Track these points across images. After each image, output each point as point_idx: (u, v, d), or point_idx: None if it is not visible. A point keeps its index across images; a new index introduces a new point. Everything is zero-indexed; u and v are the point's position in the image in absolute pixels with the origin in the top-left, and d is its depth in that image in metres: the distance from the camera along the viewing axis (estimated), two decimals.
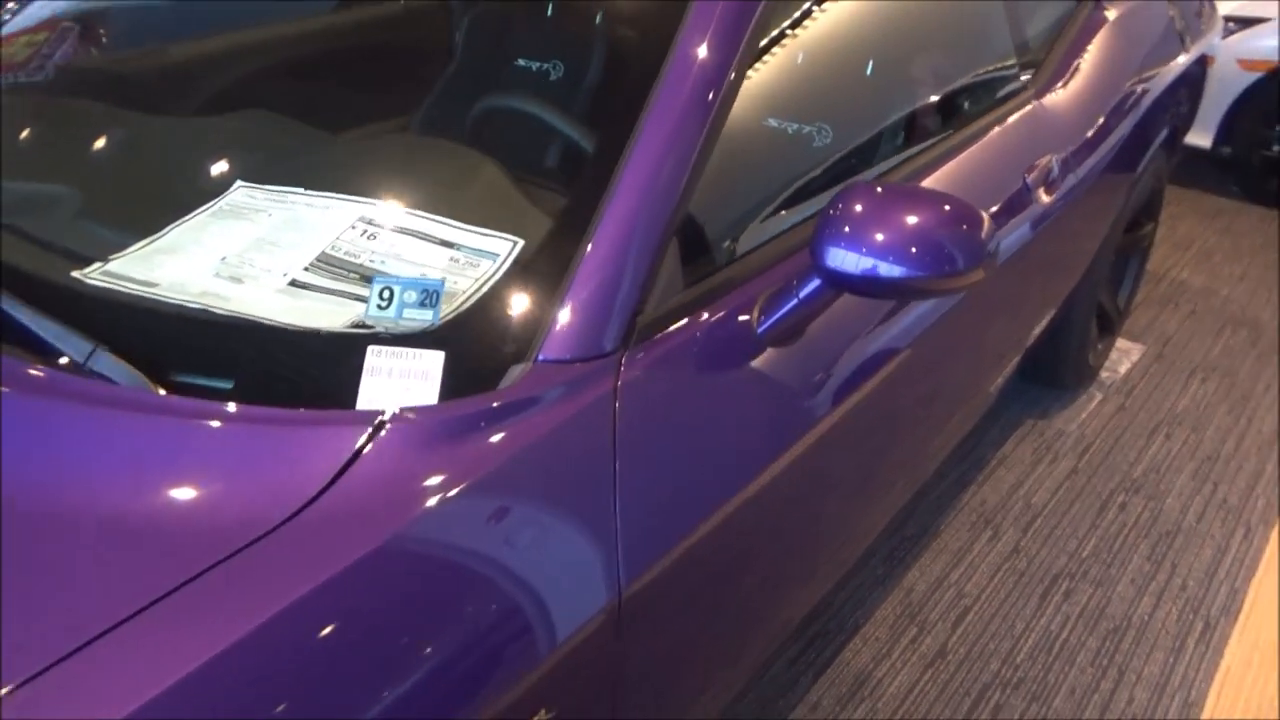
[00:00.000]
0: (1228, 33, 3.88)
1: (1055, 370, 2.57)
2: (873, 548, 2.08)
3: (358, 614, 0.73)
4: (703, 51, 1.12)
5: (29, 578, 0.71)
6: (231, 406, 0.86)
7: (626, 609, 0.92)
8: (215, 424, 0.84)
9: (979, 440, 2.45)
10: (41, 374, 0.90)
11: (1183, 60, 2.42)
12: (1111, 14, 2.13)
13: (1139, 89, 2.18)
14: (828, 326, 1.20)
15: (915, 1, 1.61)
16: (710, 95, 1.10)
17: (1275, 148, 3.89)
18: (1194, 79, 2.63)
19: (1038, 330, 2.13)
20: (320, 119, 1.36)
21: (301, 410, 0.86)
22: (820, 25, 1.41)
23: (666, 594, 0.98)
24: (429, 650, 0.76)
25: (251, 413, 0.85)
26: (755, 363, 1.09)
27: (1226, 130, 3.97)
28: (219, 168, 1.28)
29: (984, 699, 1.75)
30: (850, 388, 1.23)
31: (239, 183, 1.20)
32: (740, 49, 1.15)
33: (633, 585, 0.92)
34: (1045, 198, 1.70)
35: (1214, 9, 2.84)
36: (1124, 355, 2.86)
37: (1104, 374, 2.76)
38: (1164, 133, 2.37)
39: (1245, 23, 3.87)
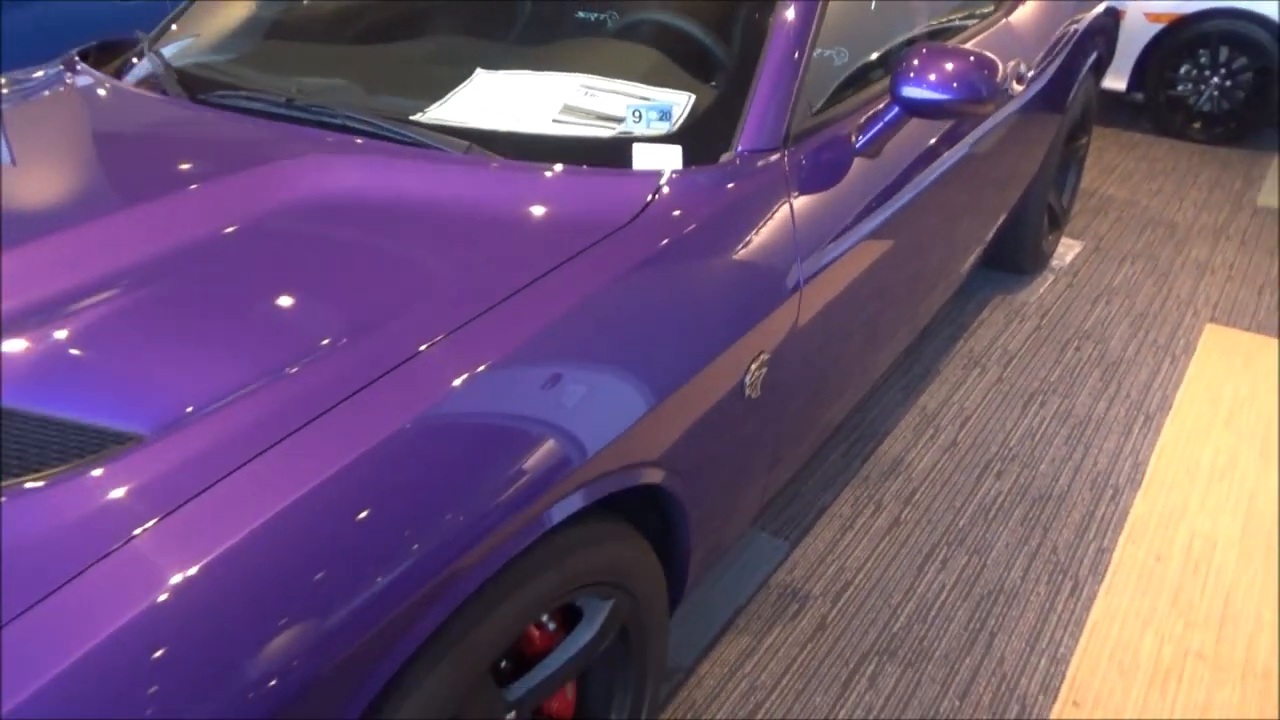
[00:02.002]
0: None
1: (1016, 257, 3.19)
2: (892, 381, 2.67)
3: (672, 272, 1.28)
4: None
5: (461, 268, 1.24)
6: (583, 167, 1.40)
7: (805, 295, 1.48)
8: (580, 176, 1.38)
9: (962, 309, 3.06)
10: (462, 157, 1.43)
11: (1101, 3, 3.06)
12: None
13: (1071, 22, 2.80)
14: (886, 158, 1.77)
15: None
16: (809, 35, 1.65)
17: (1178, 88, 4.61)
18: (1110, 22, 3.28)
19: (1001, 219, 2.73)
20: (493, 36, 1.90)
21: (616, 167, 1.40)
22: None
23: (819, 291, 1.54)
24: (713, 297, 1.31)
25: (598, 171, 1.39)
26: (854, 163, 1.65)
27: (1139, 76, 4.68)
28: (461, 62, 1.79)
29: (989, 469, 2.35)
30: (901, 187, 1.81)
31: (478, 69, 1.72)
32: None
33: (806, 282, 1.48)
34: (1017, 87, 2.31)
35: None
36: (1068, 249, 3.51)
37: (1054, 262, 3.40)
38: (1091, 58, 3.01)
39: None
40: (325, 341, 1.06)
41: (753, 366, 1.40)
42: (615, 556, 1.23)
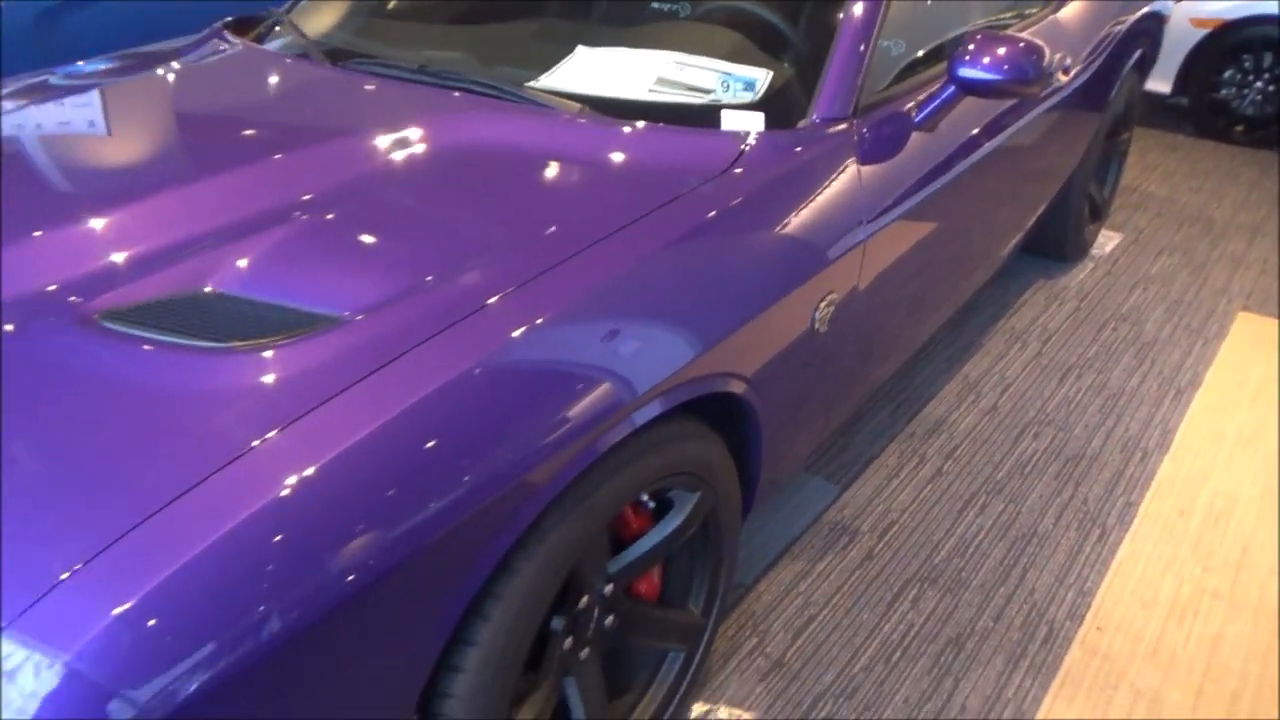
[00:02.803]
0: None
1: (1058, 244, 3.36)
2: (936, 351, 2.86)
3: (757, 215, 1.49)
4: None
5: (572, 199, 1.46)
6: (684, 127, 1.62)
7: (868, 249, 1.68)
8: (681, 133, 1.60)
9: (1005, 290, 3.23)
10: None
11: (1146, 3, 3.22)
12: None
13: (1115, 23, 2.98)
14: (943, 128, 1.97)
15: None
16: (876, 21, 1.86)
17: (1221, 92, 4.74)
18: (1155, 24, 3.44)
19: (1046, 202, 2.91)
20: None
21: (709, 128, 1.62)
22: None
23: (880, 247, 1.74)
24: (791, 239, 1.52)
25: (696, 129, 1.61)
26: (912, 137, 1.86)
27: (1183, 80, 4.81)
28: (561, 40, 2.02)
29: (1026, 431, 2.53)
30: (953, 163, 2.00)
31: (579, 46, 1.95)
32: None
33: (869, 236, 1.69)
34: (1063, 78, 2.49)
35: None
36: (1109, 239, 3.67)
37: (1094, 251, 3.56)
38: (1135, 55, 3.17)
39: None
40: (464, 260, 1.29)
41: (821, 304, 1.61)
42: (701, 454, 1.45)
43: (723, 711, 1.73)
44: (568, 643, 1.38)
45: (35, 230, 1.29)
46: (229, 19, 2.29)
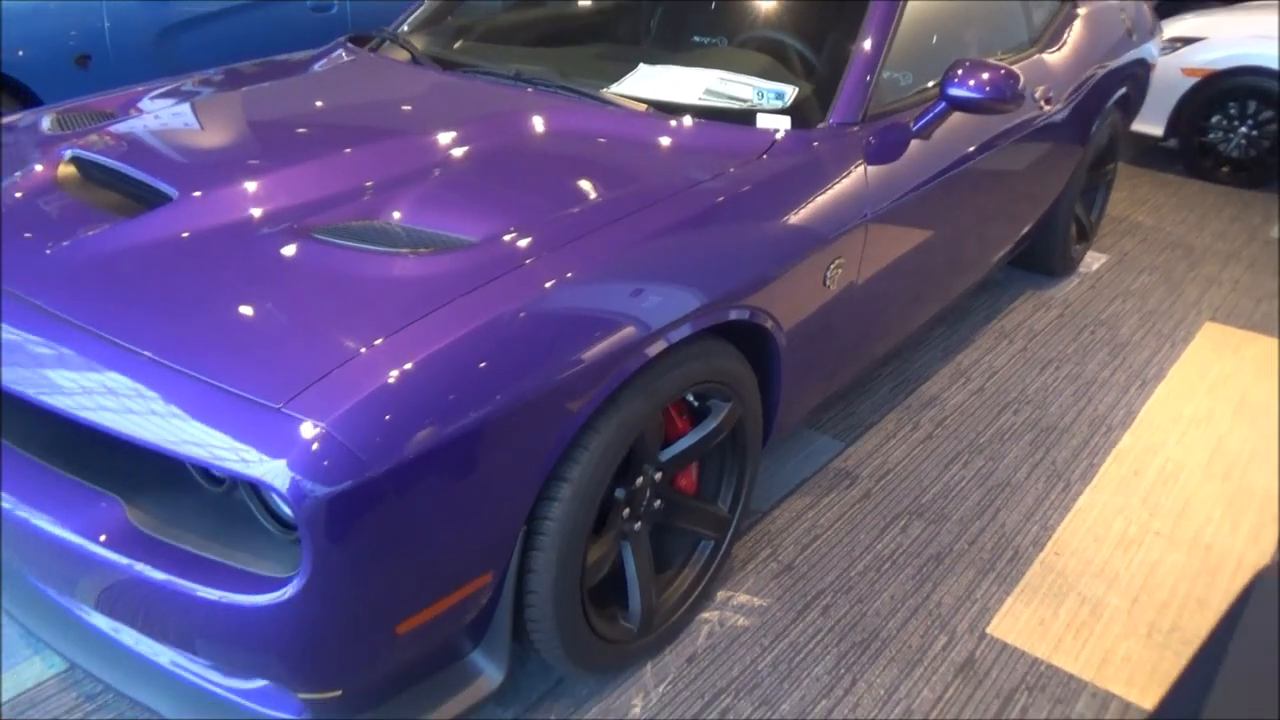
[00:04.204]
0: (1173, 49, 5.17)
1: (1047, 260, 3.76)
2: (933, 343, 3.27)
3: (783, 193, 1.92)
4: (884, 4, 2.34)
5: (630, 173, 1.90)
6: (727, 123, 2.06)
7: (870, 230, 2.11)
8: (726, 127, 2.03)
9: (997, 298, 3.65)
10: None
11: (1130, 46, 3.66)
12: (1081, 11, 3.38)
13: (1099, 59, 3.41)
14: (935, 142, 2.40)
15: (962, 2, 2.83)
16: (888, 31, 2.30)
17: (1209, 135, 5.16)
18: (1140, 68, 3.87)
19: (1032, 221, 3.33)
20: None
21: (746, 125, 2.05)
22: (910, 14, 2.62)
23: (881, 230, 2.17)
24: (808, 212, 1.95)
25: (738, 125, 2.05)
26: (911, 144, 2.29)
27: (1174, 123, 5.24)
28: (627, 59, 2.47)
29: (1008, 407, 2.93)
30: (945, 165, 2.43)
31: (641, 64, 2.40)
32: None
33: (872, 218, 2.11)
34: (1046, 107, 2.93)
35: (1154, 18, 4.10)
36: (1095, 259, 4.08)
37: (1081, 269, 3.97)
38: (1119, 92, 3.60)
39: (1187, 41, 5.16)
40: (559, 207, 1.72)
41: (831, 266, 2.03)
42: (733, 370, 1.86)
43: (741, 597, 2.13)
44: (626, 512, 1.79)
45: (259, 177, 1.74)
46: (349, 34, 2.76)
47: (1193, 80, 5.11)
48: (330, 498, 1.22)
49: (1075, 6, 3.40)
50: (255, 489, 1.37)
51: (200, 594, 1.29)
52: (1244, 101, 5.02)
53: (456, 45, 2.64)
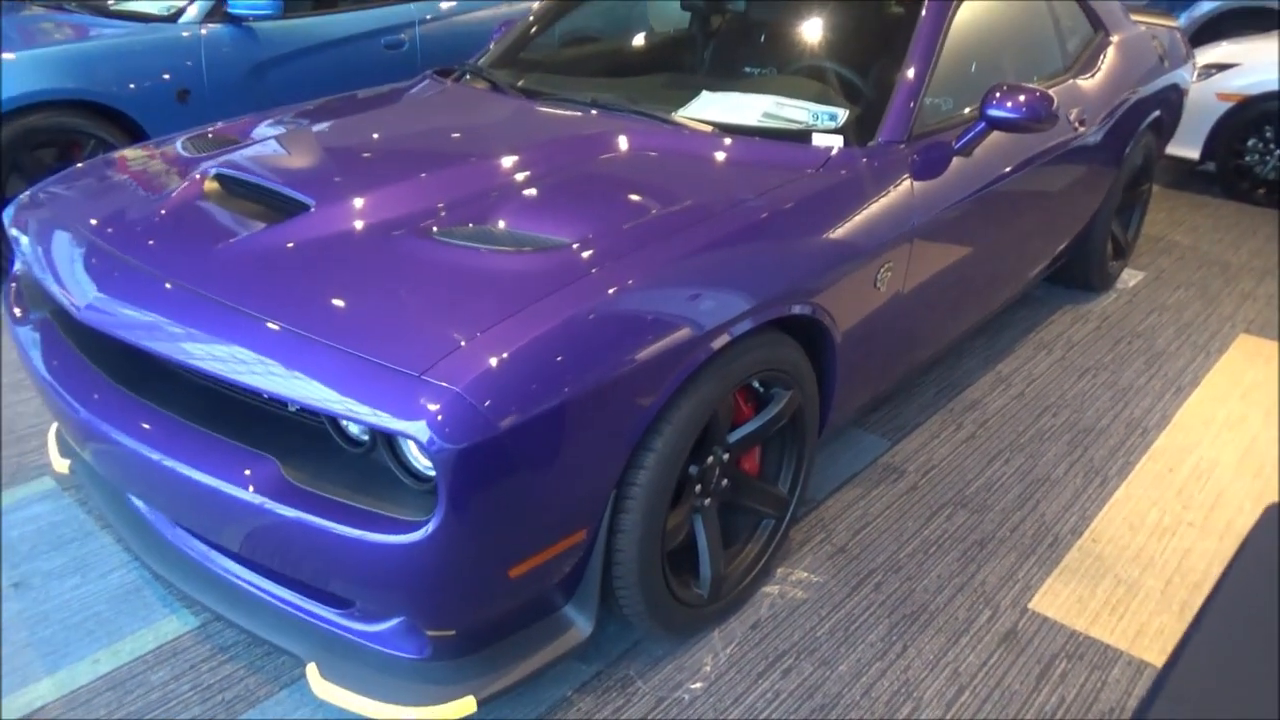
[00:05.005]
0: (1208, 75, 5.33)
1: (1085, 275, 3.93)
2: (975, 352, 3.45)
3: (837, 204, 2.14)
4: (930, 24, 2.55)
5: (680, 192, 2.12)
6: (785, 142, 2.28)
7: (915, 243, 2.31)
8: (785, 145, 2.26)
9: (1036, 311, 3.81)
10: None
11: (1162, 72, 3.84)
12: (1115, 39, 3.57)
13: (1131, 84, 3.60)
14: (976, 160, 2.60)
15: (1001, 28, 3.04)
16: (931, 57, 2.52)
17: (1246, 158, 5.30)
18: (1173, 93, 4.05)
19: (1069, 237, 3.50)
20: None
21: (803, 144, 2.28)
22: (957, 34, 2.84)
23: (926, 243, 2.37)
24: (860, 222, 2.16)
25: (795, 144, 2.27)
26: (953, 161, 2.49)
27: (1210, 147, 5.38)
28: (691, 87, 2.70)
29: (1047, 410, 3.10)
30: (985, 182, 2.63)
31: (704, 91, 2.64)
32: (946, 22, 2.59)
33: (919, 227, 2.32)
34: (1080, 128, 3.12)
35: (1188, 46, 4.28)
36: (1132, 276, 4.23)
37: (1118, 285, 4.13)
38: (1151, 115, 3.78)
39: (1222, 67, 5.32)
40: (640, 213, 1.95)
41: (881, 270, 2.24)
42: (793, 360, 2.07)
43: (800, 574, 2.32)
44: (698, 488, 2.00)
45: (382, 189, 2.00)
46: (434, 69, 3.03)
47: (1227, 105, 5.26)
48: (461, 450, 1.45)
49: (1108, 35, 3.59)
50: (393, 446, 1.60)
51: (351, 535, 1.52)
52: (1278, 125, 5.15)
53: (532, 77, 2.91)
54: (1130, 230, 4.16)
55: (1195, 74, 5.34)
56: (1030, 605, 2.26)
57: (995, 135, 2.69)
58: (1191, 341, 3.63)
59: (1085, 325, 3.73)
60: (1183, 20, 7.44)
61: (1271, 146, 5.21)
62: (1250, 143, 5.27)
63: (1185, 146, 5.45)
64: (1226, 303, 4.00)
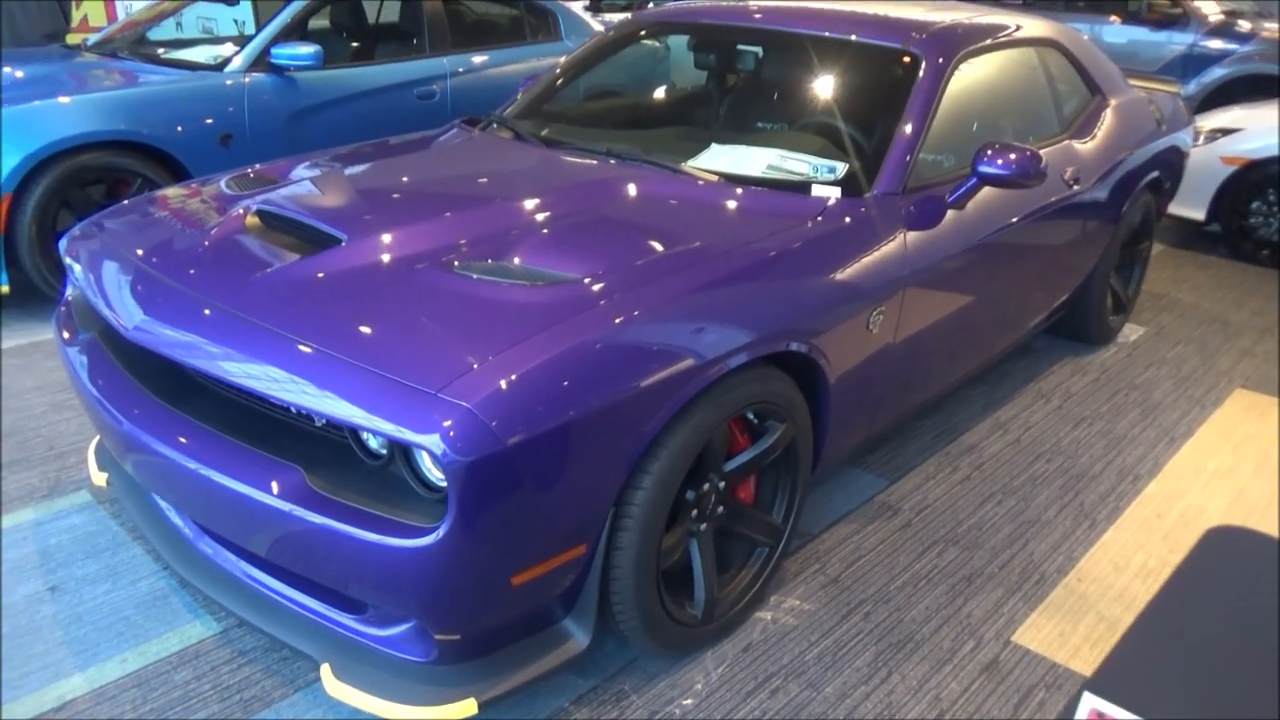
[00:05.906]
0: (1213, 139, 5.48)
1: (1085, 329, 4.04)
2: (974, 399, 3.56)
3: (834, 251, 2.28)
4: (926, 84, 2.72)
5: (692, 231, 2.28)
6: (786, 192, 2.44)
7: (908, 292, 2.45)
8: (785, 194, 2.41)
9: (1036, 363, 3.93)
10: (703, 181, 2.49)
11: (1160, 135, 3.99)
12: (1111, 102, 3.73)
13: (1129, 145, 3.74)
14: (970, 214, 2.75)
15: (993, 91, 3.21)
16: (926, 115, 2.68)
17: (1250, 220, 5.41)
18: (1173, 155, 4.19)
19: (1067, 292, 3.62)
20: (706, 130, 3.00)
21: (803, 194, 2.44)
22: (956, 96, 3.00)
23: (918, 292, 2.50)
24: (855, 269, 2.30)
25: (795, 194, 2.43)
26: (947, 214, 2.64)
27: (1215, 209, 5.51)
28: (701, 140, 2.88)
29: (1041, 456, 3.19)
30: (979, 234, 2.77)
31: (714, 144, 2.81)
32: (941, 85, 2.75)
33: (910, 278, 2.45)
34: (1075, 186, 3.26)
35: (1188, 111, 4.43)
36: (1133, 331, 4.34)
37: (1119, 339, 4.23)
38: (1149, 176, 3.91)
39: (1226, 132, 5.47)
40: (646, 254, 2.10)
41: (874, 314, 2.37)
42: (787, 395, 2.19)
43: (792, 601, 2.42)
44: (694, 513, 2.12)
45: (408, 226, 2.17)
46: (462, 118, 3.23)
47: (1231, 168, 5.39)
48: (470, 462, 1.58)
49: (1105, 99, 3.75)
50: (409, 459, 1.74)
51: (367, 539, 1.65)
52: None
53: (553, 127, 3.09)
54: (1130, 286, 4.28)
55: (1201, 138, 5.50)
56: (1013, 638, 2.34)
57: (988, 191, 2.83)
58: (1188, 395, 3.72)
59: (1084, 377, 3.83)
60: (1192, 86, 7.62)
61: (1275, 209, 5.33)
62: (1255, 205, 5.39)
63: (1191, 208, 5.57)
64: (1225, 358, 4.09)
